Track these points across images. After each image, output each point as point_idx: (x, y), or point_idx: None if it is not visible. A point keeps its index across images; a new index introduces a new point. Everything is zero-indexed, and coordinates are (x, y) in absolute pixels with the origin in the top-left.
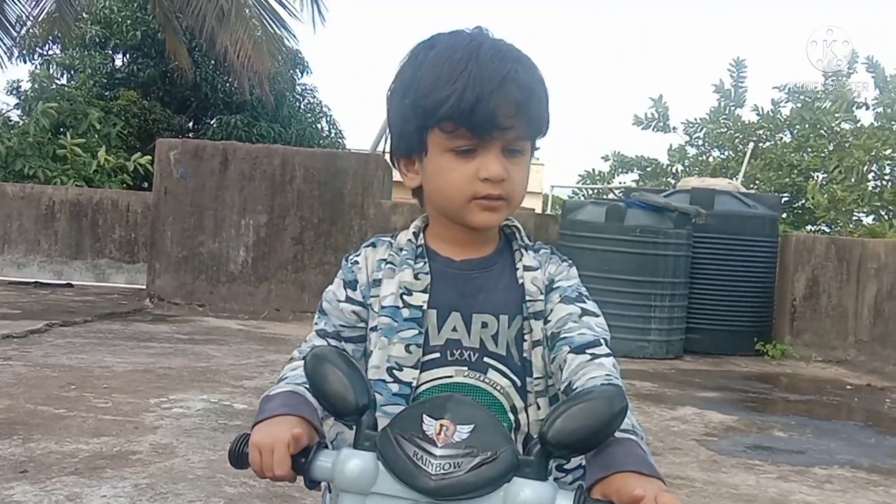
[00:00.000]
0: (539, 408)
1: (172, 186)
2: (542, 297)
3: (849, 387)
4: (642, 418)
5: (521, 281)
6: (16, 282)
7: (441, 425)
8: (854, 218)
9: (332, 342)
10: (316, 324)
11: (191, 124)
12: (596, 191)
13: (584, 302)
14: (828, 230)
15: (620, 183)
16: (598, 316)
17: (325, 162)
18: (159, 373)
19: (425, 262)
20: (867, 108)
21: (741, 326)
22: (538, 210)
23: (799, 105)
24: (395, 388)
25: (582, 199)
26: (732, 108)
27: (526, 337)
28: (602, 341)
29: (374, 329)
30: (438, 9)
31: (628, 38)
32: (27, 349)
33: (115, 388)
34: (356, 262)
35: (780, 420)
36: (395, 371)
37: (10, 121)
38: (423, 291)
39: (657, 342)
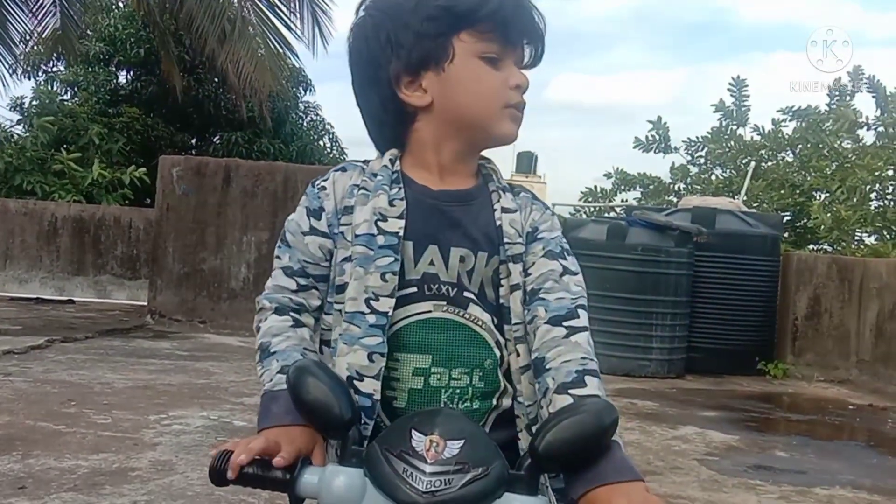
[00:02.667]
0: (519, 354)
1: (175, 203)
2: (520, 239)
3: (851, 407)
4: (643, 437)
5: (498, 223)
6: (18, 297)
7: (431, 441)
8: (857, 238)
9: (300, 280)
10: (278, 258)
11: (193, 141)
12: (597, 209)
13: (566, 258)
14: (829, 249)
15: (622, 201)
16: (576, 274)
17: None
18: (159, 389)
19: (400, 188)
20: (868, 129)
21: (743, 346)
22: None
23: (802, 124)
24: (371, 318)
25: (583, 217)
26: (734, 127)
27: (503, 281)
28: (578, 311)
29: (347, 259)
30: None
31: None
32: (28, 365)
33: (114, 404)
34: (323, 188)
35: (782, 440)
36: (371, 301)
37: (12, 137)
38: (399, 217)
39: (659, 361)
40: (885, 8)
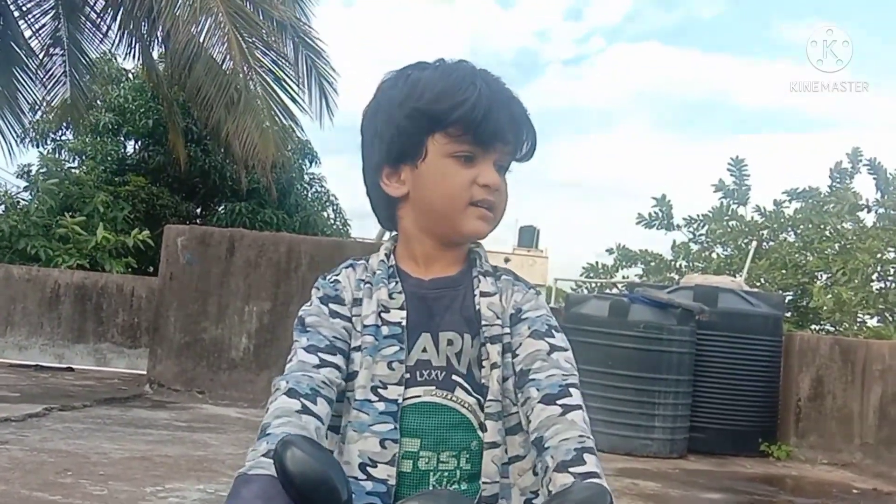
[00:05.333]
0: (486, 430)
1: (178, 272)
2: (498, 321)
3: (855, 490)
4: None
5: (477, 307)
6: (17, 364)
7: None
8: (859, 320)
9: (323, 356)
10: (297, 341)
11: (198, 210)
12: (599, 284)
13: (553, 336)
14: (832, 330)
15: (624, 277)
16: (566, 350)
17: (330, 250)
18: (156, 461)
19: (397, 282)
20: (868, 211)
21: (746, 426)
22: None
23: (804, 204)
24: (381, 406)
25: (585, 292)
26: (735, 206)
27: (483, 362)
28: (570, 390)
29: (357, 349)
30: None
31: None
32: (24, 433)
33: (111, 475)
34: (337, 281)
35: None
36: (379, 389)
37: (18, 203)
38: (400, 308)
39: (661, 440)
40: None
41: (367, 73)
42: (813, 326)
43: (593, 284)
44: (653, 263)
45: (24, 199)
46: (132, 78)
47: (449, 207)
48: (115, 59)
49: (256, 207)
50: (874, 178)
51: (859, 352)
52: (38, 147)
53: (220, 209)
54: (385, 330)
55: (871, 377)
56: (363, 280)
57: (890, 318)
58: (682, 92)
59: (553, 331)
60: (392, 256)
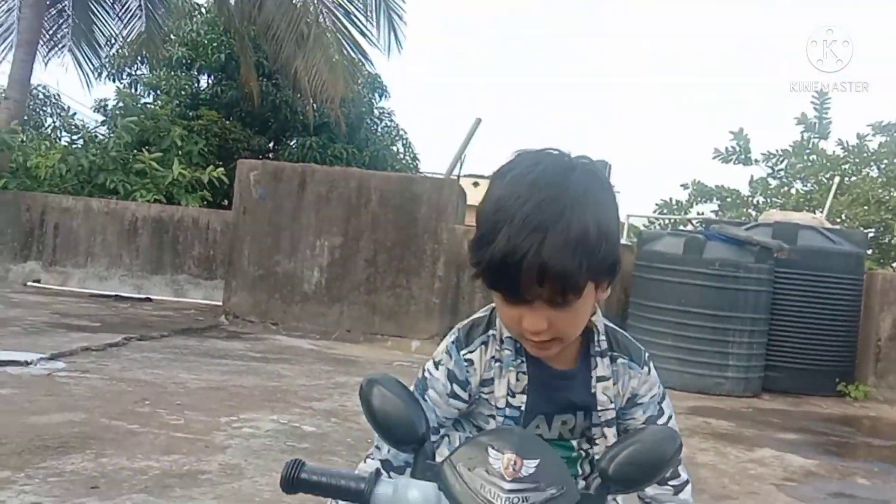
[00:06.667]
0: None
1: (251, 206)
2: (611, 405)
3: None
4: (718, 459)
5: (593, 390)
6: (97, 294)
7: (508, 459)
8: None
9: (433, 436)
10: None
11: (270, 144)
12: (673, 221)
13: (662, 414)
14: None
15: (699, 213)
16: (670, 418)
17: (400, 186)
18: (231, 391)
19: (523, 361)
20: None
21: (823, 366)
22: None
23: (888, 138)
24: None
25: (658, 229)
26: (816, 140)
27: (598, 441)
28: (679, 471)
29: (492, 416)
30: (515, 33)
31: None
32: (105, 363)
33: (187, 405)
34: (471, 362)
35: (863, 466)
36: None
37: (96, 137)
38: (522, 393)
39: (735, 379)
40: None
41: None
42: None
43: (667, 221)
44: (729, 199)
45: (101, 134)
46: (204, 12)
47: (512, 332)
48: None
49: (327, 142)
50: None
51: None
52: (114, 81)
53: (291, 144)
54: (507, 411)
55: None
56: (494, 357)
57: None
58: None
59: (663, 409)
60: None
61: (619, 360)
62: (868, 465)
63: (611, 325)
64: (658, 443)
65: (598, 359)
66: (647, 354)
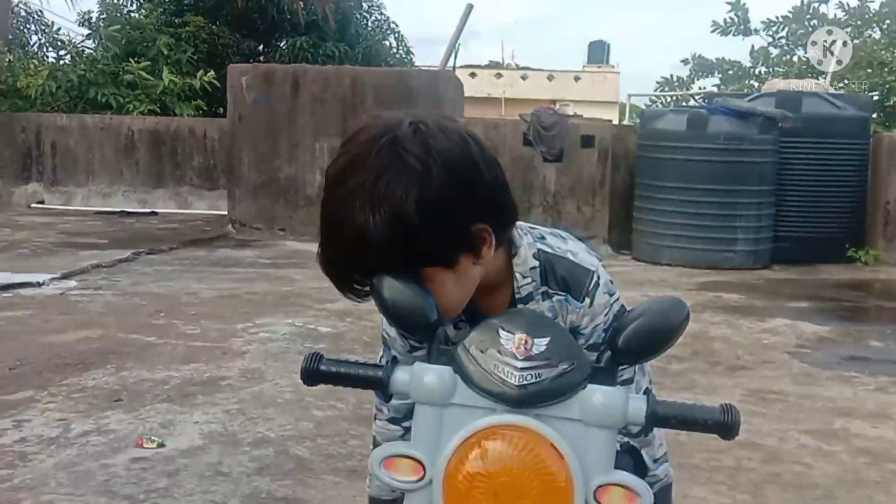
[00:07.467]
0: None
1: (246, 112)
2: None
3: None
4: (731, 332)
5: None
6: (102, 211)
7: (519, 339)
8: None
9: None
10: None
11: (260, 47)
12: (675, 98)
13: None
14: None
15: (701, 88)
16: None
17: (395, 81)
18: (245, 298)
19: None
20: None
21: (832, 233)
22: (615, 121)
23: None
24: None
25: (661, 107)
26: (816, 4)
27: None
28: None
29: None
30: None
31: None
32: (116, 278)
33: (202, 314)
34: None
35: (876, 329)
36: None
37: (83, 52)
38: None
39: (744, 252)
40: None
41: None
42: None
43: (669, 98)
44: (731, 72)
45: (88, 48)
46: None
47: None
48: None
49: (317, 41)
50: None
51: None
52: None
53: (281, 45)
54: None
55: None
56: None
57: None
58: None
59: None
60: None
61: (556, 298)
62: (881, 327)
63: (556, 254)
64: (664, 312)
65: (539, 304)
66: (593, 281)
